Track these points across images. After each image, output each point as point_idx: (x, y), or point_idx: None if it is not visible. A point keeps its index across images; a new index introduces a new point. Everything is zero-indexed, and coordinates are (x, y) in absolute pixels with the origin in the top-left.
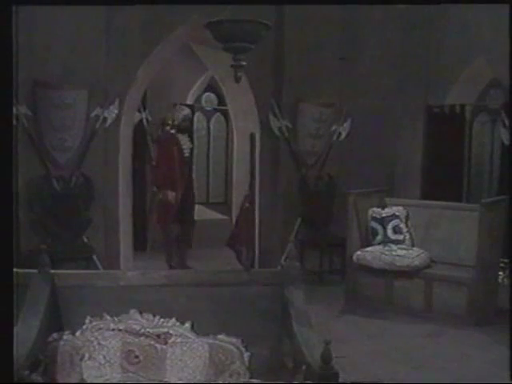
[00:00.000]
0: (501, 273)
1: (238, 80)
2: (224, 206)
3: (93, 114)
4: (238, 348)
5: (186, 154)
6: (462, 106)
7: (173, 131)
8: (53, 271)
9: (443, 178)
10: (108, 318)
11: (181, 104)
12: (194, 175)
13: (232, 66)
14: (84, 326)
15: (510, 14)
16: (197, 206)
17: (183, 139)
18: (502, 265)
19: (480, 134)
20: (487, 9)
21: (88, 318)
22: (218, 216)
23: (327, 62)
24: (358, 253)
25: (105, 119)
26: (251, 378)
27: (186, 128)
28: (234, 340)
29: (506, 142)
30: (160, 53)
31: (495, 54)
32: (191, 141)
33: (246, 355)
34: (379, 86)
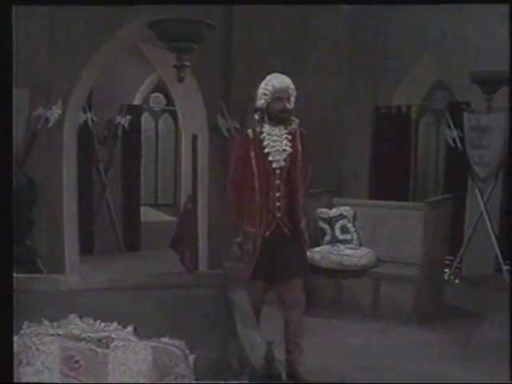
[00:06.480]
0: (446, 270)
1: (181, 80)
2: (172, 207)
3: (35, 114)
4: (182, 350)
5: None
6: (409, 107)
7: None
8: None
9: (390, 178)
10: (47, 323)
11: (129, 104)
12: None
13: (175, 66)
14: (21, 331)
15: (510, 13)
16: (144, 208)
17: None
18: (447, 262)
19: (426, 134)
20: (433, 9)
21: (26, 323)
22: (167, 218)
23: (276, 63)
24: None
25: (47, 119)
26: (197, 379)
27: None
28: (177, 342)
29: (451, 142)
30: (106, 52)
31: (440, 55)
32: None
33: (191, 357)
34: (327, 86)
